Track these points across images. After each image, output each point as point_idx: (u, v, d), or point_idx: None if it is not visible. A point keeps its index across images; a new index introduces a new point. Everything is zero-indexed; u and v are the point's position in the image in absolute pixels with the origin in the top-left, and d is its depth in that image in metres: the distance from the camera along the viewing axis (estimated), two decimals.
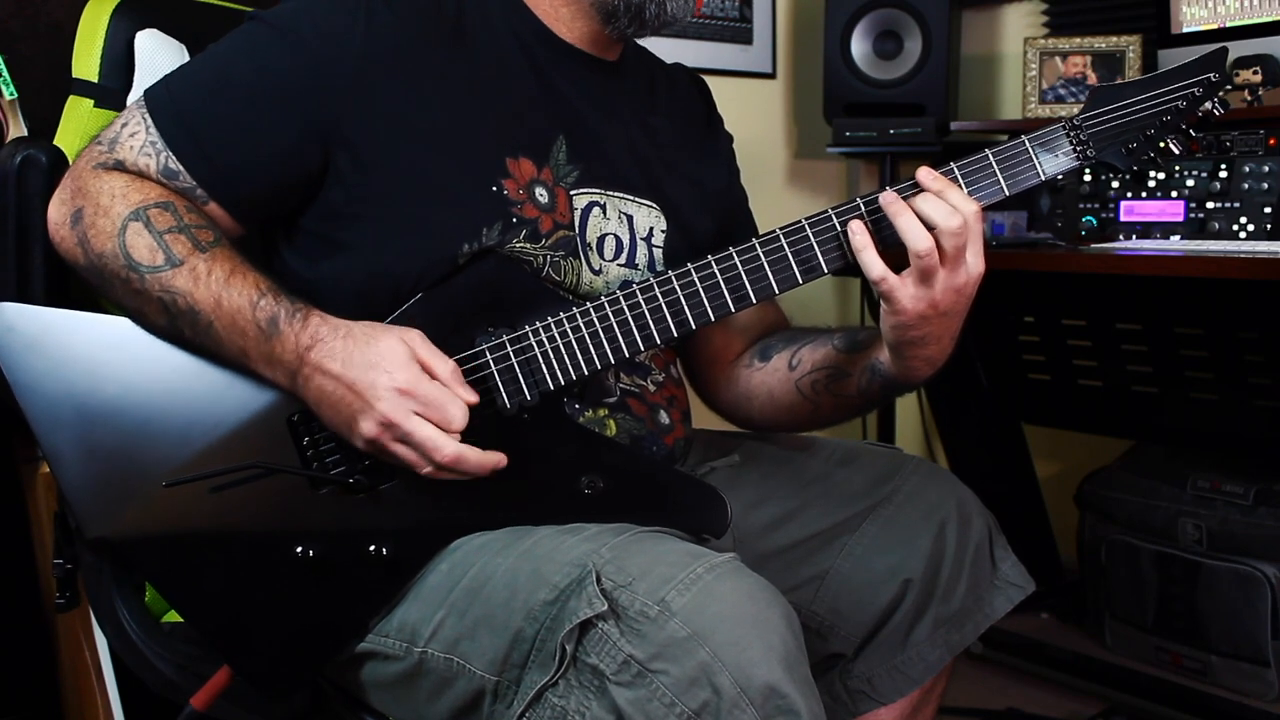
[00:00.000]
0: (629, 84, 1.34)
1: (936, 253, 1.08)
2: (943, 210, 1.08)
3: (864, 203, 1.13)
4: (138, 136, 1.14)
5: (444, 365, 1.07)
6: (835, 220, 1.14)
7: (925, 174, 1.11)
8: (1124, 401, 2.28)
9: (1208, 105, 1.16)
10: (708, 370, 1.40)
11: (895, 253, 1.11)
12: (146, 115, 1.14)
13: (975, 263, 1.11)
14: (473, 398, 1.07)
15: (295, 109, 1.14)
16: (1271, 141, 1.97)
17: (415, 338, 1.07)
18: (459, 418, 1.05)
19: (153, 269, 1.08)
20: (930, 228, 1.08)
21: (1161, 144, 1.16)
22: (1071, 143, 1.15)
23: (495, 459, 1.08)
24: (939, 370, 1.20)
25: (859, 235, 1.11)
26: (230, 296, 1.07)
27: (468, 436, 1.06)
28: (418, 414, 1.04)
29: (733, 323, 1.26)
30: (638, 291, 1.14)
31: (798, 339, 1.33)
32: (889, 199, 1.10)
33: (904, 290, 1.10)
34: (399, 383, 1.04)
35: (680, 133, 1.38)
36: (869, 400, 1.27)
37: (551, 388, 1.13)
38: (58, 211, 1.14)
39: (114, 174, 1.13)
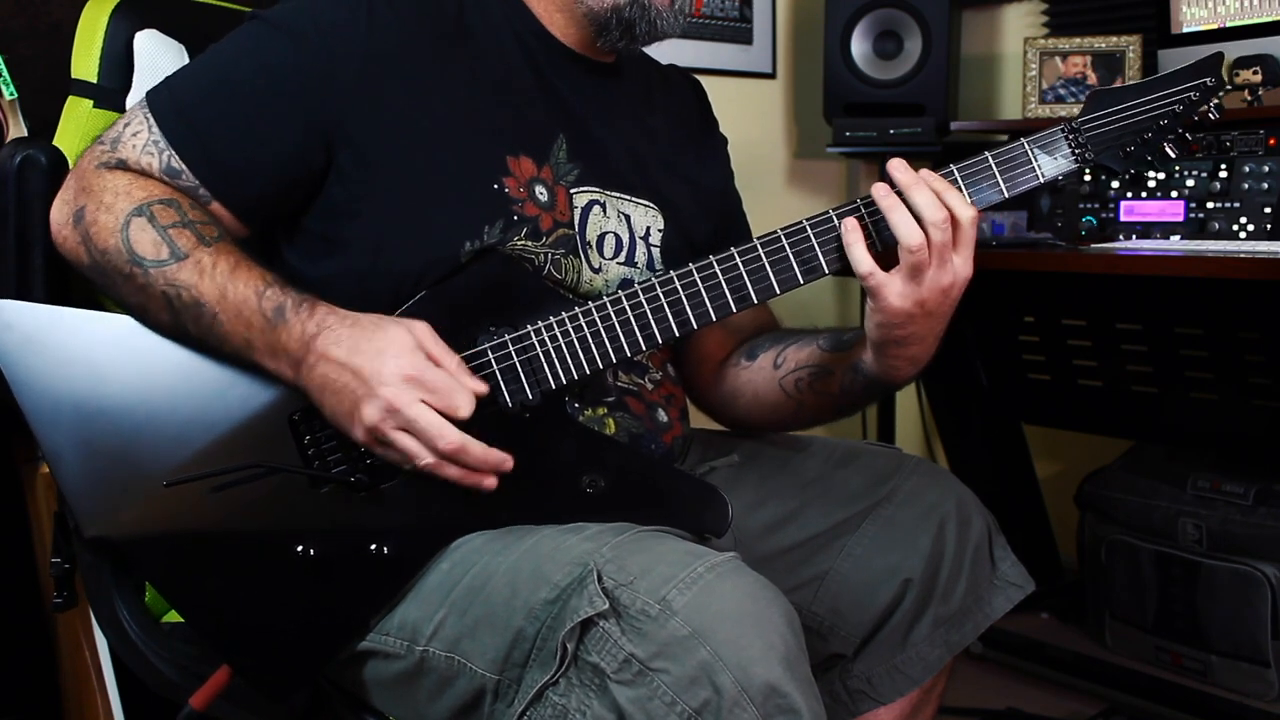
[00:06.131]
0: (627, 85, 1.34)
1: (927, 249, 1.08)
2: (933, 203, 1.09)
3: (863, 204, 1.14)
4: (140, 136, 1.14)
5: (450, 357, 1.07)
6: (837, 221, 1.14)
7: (926, 173, 1.12)
8: (1124, 401, 2.28)
9: (1204, 109, 1.16)
10: (698, 370, 1.40)
11: (889, 253, 1.12)
12: (149, 115, 1.14)
13: (964, 265, 1.11)
14: (482, 388, 1.08)
15: (299, 108, 1.14)
16: (1271, 141, 1.97)
17: (422, 329, 1.07)
18: (465, 405, 1.06)
19: (157, 263, 1.08)
20: (919, 221, 1.09)
21: (1158, 147, 1.17)
22: (1070, 145, 1.16)
23: (499, 457, 1.08)
24: (922, 370, 1.21)
25: (852, 231, 1.12)
26: (236, 288, 1.08)
27: (470, 434, 1.06)
28: (423, 401, 1.04)
29: (725, 324, 1.27)
30: (639, 291, 1.14)
31: (784, 339, 1.34)
32: (882, 191, 1.11)
33: (891, 287, 1.11)
34: (405, 369, 1.04)
35: (677, 133, 1.39)
36: (852, 399, 1.27)
37: (554, 386, 1.13)
38: (60, 212, 1.14)
39: (117, 172, 1.13)
